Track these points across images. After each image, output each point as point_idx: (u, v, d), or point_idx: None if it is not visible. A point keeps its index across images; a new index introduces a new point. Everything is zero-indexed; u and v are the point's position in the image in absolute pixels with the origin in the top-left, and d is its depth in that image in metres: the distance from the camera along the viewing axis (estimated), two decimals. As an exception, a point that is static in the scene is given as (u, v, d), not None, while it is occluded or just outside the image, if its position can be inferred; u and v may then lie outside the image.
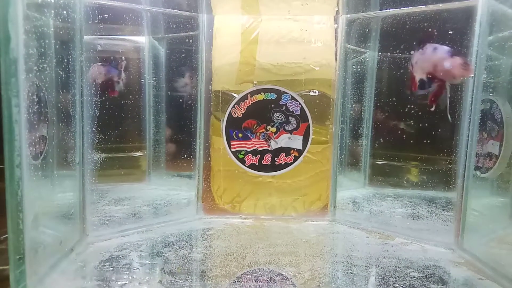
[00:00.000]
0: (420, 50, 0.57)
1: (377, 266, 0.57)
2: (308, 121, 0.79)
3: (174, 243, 0.65)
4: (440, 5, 0.69)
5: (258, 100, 0.79)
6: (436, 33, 0.69)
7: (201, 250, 0.62)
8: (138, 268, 0.54)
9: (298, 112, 0.79)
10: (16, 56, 0.41)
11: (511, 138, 0.64)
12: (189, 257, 0.59)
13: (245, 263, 0.57)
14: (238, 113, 0.79)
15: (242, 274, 0.53)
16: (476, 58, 0.63)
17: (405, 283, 0.51)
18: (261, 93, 0.79)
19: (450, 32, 0.65)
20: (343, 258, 0.60)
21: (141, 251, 0.61)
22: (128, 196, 0.88)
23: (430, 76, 0.56)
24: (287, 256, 0.60)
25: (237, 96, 0.79)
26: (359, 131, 0.97)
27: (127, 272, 0.53)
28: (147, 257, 0.59)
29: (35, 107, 0.46)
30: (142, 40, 0.94)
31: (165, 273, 0.53)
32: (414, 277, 0.53)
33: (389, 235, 0.72)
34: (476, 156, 0.65)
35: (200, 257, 0.59)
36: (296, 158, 0.80)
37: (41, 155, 0.50)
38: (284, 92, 0.78)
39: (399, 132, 0.80)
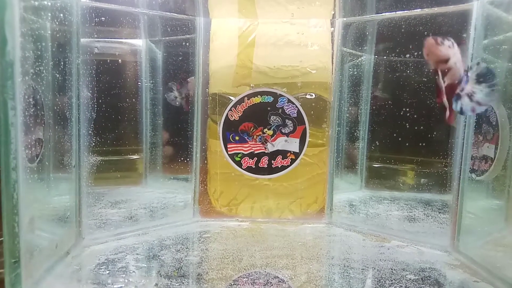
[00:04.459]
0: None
1: (374, 268, 0.57)
2: (305, 124, 0.79)
3: (171, 246, 0.65)
4: (436, 9, 0.70)
5: (255, 103, 0.79)
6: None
7: (198, 253, 0.62)
8: (134, 271, 0.54)
9: (295, 115, 0.79)
10: (13, 58, 0.41)
11: (506, 141, 0.64)
12: (186, 260, 0.59)
13: (241, 266, 0.57)
14: (235, 116, 0.79)
15: (238, 277, 0.53)
16: (471, 61, 0.63)
17: (401, 286, 0.51)
18: (258, 96, 0.79)
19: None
20: (339, 261, 0.60)
21: (137, 254, 0.61)
22: (124, 199, 0.88)
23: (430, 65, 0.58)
24: (284, 259, 0.60)
25: (234, 99, 0.79)
26: (356, 134, 0.97)
27: (123, 275, 0.53)
28: (143, 260, 0.59)
29: (31, 110, 0.46)
30: (139, 43, 0.94)
31: (161, 276, 0.53)
32: (410, 279, 0.53)
33: (386, 237, 0.72)
34: (471, 159, 0.65)
35: (196, 260, 0.59)
36: (292, 161, 0.80)
37: (37, 158, 0.50)
38: (281, 95, 0.78)
39: (395, 135, 0.80)
